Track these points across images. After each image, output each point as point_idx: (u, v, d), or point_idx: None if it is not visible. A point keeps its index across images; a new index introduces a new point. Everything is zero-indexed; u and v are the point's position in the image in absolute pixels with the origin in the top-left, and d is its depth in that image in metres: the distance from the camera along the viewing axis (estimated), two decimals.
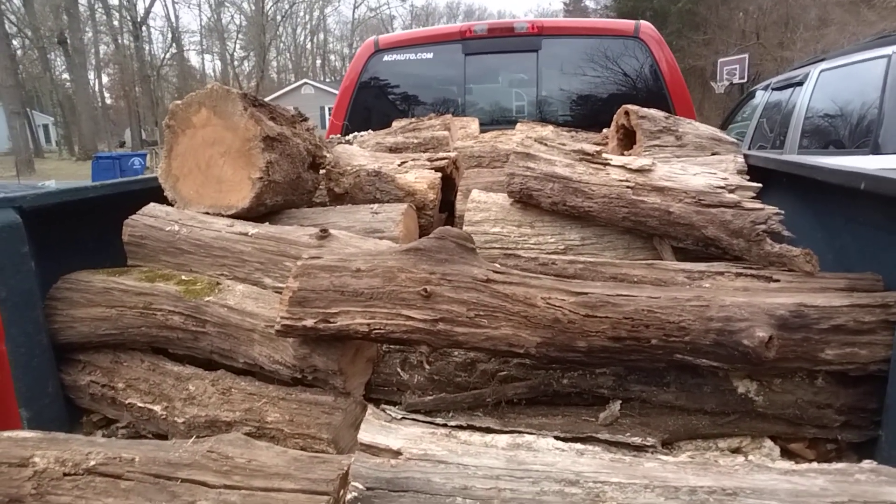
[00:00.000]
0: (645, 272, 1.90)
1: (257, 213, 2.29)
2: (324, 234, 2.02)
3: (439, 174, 2.60)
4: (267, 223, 2.17)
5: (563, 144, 2.21)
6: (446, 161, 2.66)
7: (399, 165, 2.65)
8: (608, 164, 2.13)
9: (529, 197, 2.23)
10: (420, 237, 2.57)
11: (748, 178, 2.51)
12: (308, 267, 1.63)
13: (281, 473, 1.32)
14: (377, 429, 1.30)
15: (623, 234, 2.23)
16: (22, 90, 34.87)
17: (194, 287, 1.92)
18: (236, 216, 2.21)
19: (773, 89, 6.45)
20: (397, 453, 1.23)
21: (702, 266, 1.89)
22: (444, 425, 1.34)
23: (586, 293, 1.55)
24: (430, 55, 4.49)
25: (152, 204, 2.20)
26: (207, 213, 2.21)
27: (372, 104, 4.61)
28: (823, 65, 5.18)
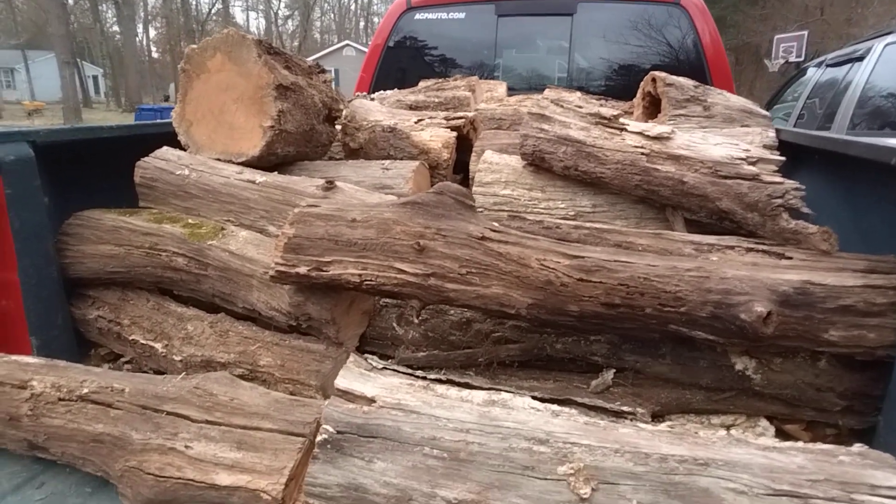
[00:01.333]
0: (651, 241, 1.84)
1: (268, 162, 2.29)
2: (329, 186, 2.01)
3: (454, 133, 2.56)
4: (276, 173, 2.17)
5: (580, 107, 2.13)
6: (463, 121, 2.61)
7: (415, 123, 2.61)
8: (624, 130, 2.05)
9: (542, 160, 2.17)
10: None
11: (777, 153, 2.40)
12: (305, 214, 1.63)
13: (261, 413, 1.34)
14: (355, 376, 1.31)
15: (636, 204, 2.16)
16: (73, 41, 35.62)
17: (199, 231, 1.95)
18: (247, 164, 2.22)
19: (828, 66, 6.10)
20: (371, 401, 1.23)
21: (712, 239, 1.82)
22: (424, 378, 1.33)
23: (583, 257, 1.51)
24: (462, 15, 4.38)
25: (165, 147, 2.23)
26: (219, 160, 2.22)
27: (401, 63, 4.54)
28: (890, 38, 4.82)
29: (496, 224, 1.65)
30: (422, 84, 3.86)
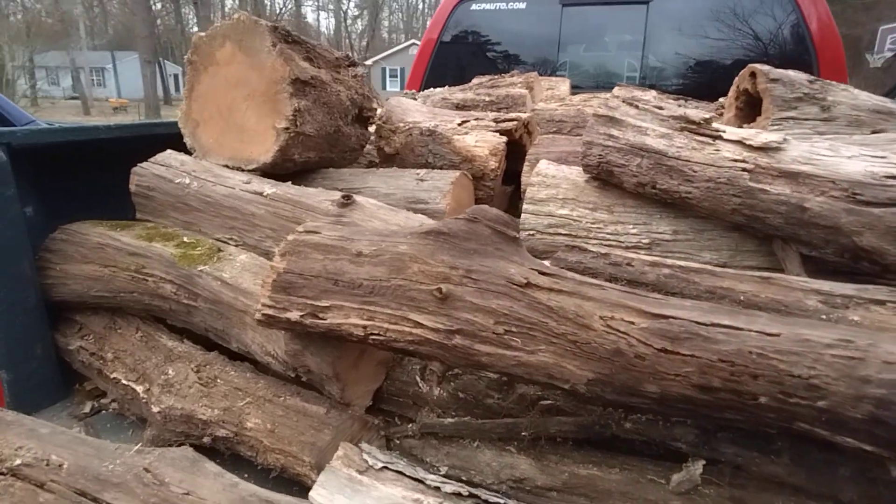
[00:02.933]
0: (757, 288, 1.37)
1: (285, 169, 1.97)
2: (346, 202, 1.66)
3: (504, 138, 2.15)
4: (290, 182, 1.84)
5: (660, 108, 1.68)
6: (515, 123, 2.20)
7: (459, 125, 2.22)
8: (719, 138, 1.58)
9: (610, 174, 1.73)
10: None
11: None
12: (299, 244, 1.28)
13: None
14: (340, 485, 0.94)
15: (730, 231, 1.68)
16: (157, 41, 37.37)
17: (192, 252, 1.64)
18: (260, 171, 1.91)
19: None
20: None
21: (847, 288, 1.33)
22: (437, 489, 0.95)
23: (667, 317, 1.08)
24: (522, 5, 3.95)
25: (169, 151, 1.94)
26: (227, 166, 1.91)
27: (455, 59, 4.17)
28: None
29: (547, 265, 1.23)
30: (475, 81, 3.47)
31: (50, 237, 1.76)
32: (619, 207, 1.80)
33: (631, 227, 1.77)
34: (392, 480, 0.96)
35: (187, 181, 1.82)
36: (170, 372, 1.52)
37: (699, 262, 1.67)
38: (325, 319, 1.22)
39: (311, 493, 0.91)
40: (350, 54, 2.24)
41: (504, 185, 2.29)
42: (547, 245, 1.78)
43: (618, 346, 1.07)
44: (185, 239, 1.71)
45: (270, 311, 1.27)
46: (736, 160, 1.53)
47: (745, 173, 1.51)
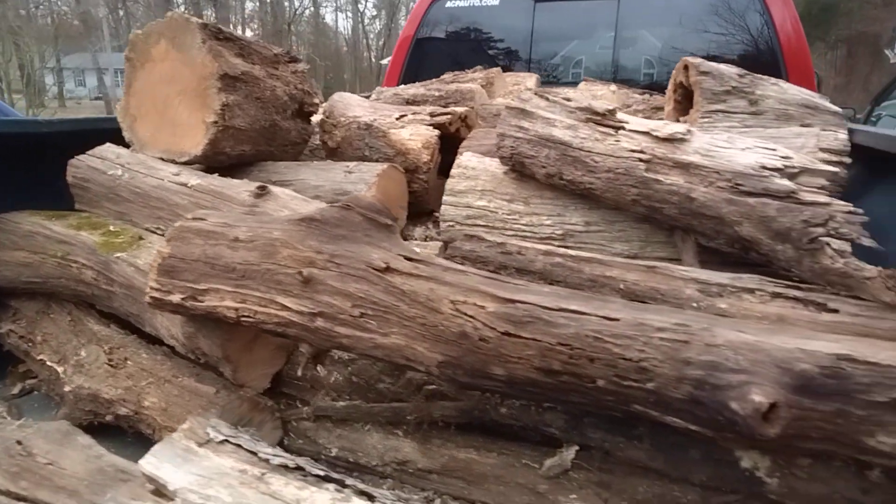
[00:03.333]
0: (643, 277, 1.39)
1: (218, 162, 2.02)
2: (261, 193, 1.71)
3: (437, 132, 2.18)
4: (216, 175, 1.90)
5: (568, 100, 1.69)
6: (449, 117, 2.23)
7: (396, 119, 2.26)
8: (621, 129, 1.59)
9: (522, 165, 1.76)
10: (410, 205, 2.21)
11: (847, 159, 1.85)
12: (184, 230, 1.33)
13: (69, 488, 1.05)
14: (173, 454, 0.98)
15: (640, 223, 1.69)
16: None
17: (115, 240, 1.70)
18: (193, 164, 1.97)
19: None
20: (169, 498, 0.90)
21: (723, 277, 1.34)
22: (267, 461, 0.99)
23: (515, 301, 1.11)
24: (496, 2, 3.97)
25: (107, 144, 2.01)
26: (162, 159, 1.98)
27: (431, 56, 4.19)
28: None
29: (416, 252, 1.27)
30: (444, 76, 3.51)
31: None
32: (536, 199, 1.82)
33: (545, 218, 1.79)
34: (228, 453, 1.00)
35: (119, 173, 1.89)
36: (82, 353, 1.59)
37: (608, 253, 1.70)
38: (202, 302, 1.27)
39: (141, 462, 0.96)
40: (292, 50, 2.29)
41: (444, 177, 2.32)
42: (462, 236, 1.81)
43: (464, 329, 1.10)
44: (112, 228, 1.78)
45: (157, 294, 1.32)
46: (633, 151, 1.55)
47: (642, 164, 1.53)
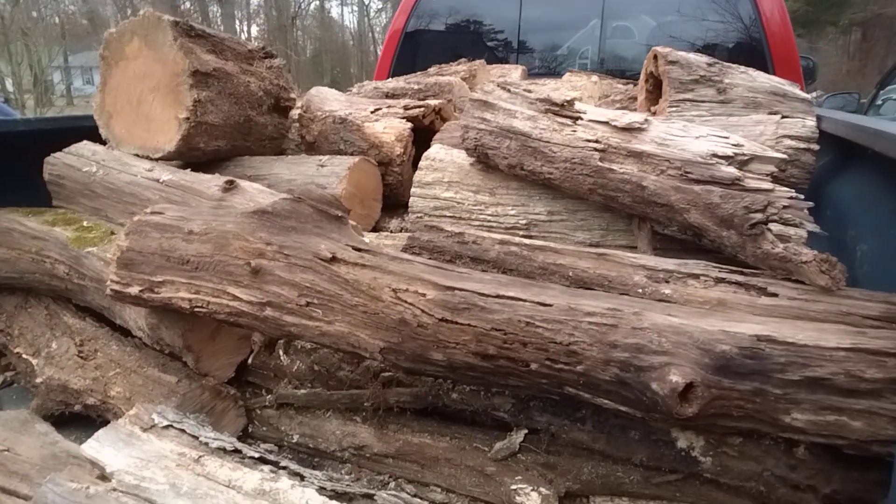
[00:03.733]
0: (594, 264, 1.41)
1: (193, 157, 2.07)
2: (229, 187, 1.75)
3: (409, 125, 2.21)
4: (189, 170, 1.94)
5: (529, 91, 1.71)
6: (422, 110, 2.25)
7: (371, 113, 2.29)
8: (579, 119, 1.61)
9: (486, 156, 1.78)
10: (385, 197, 2.24)
11: (815, 146, 1.85)
12: (141, 223, 1.37)
13: (20, 473, 1.10)
14: (116, 438, 1.03)
15: (602, 212, 1.72)
16: None
17: (87, 235, 1.75)
18: (167, 159, 2.01)
19: None
20: (106, 479, 0.95)
21: (671, 263, 1.36)
22: (206, 445, 1.03)
23: (454, 289, 1.14)
24: None
25: (84, 141, 2.06)
26: (137, 155, 2.02)
27: (420, 48, 4.20)
28: None
29: (365, 242, 1.30)
30: (430, 69, 3.52)
31: None
32: (501, 190, 1.85)
33: (510, 208, 1.82)
34: (171, 437, 1.05)
35: (94, 169, 1.93)
36: (53, 345, 1.64)
37: (571, 242, 1.72)
38: (159, 294, 1.32)
39: (83, 445, 1.01)
40: (267, 45, 2.33)
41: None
42: (427, 227, 1.84)
43: (403, 316, 1.13)
44: (85, 223, 1.83)
45: (117, 287, 1.36)
46: (589, 141, 1.57)
47: (597, 153, 1.55)
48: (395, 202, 2.32)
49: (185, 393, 1.42)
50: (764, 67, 3.25)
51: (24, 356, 1.74)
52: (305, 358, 1.56)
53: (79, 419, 1.61)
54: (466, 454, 1.34)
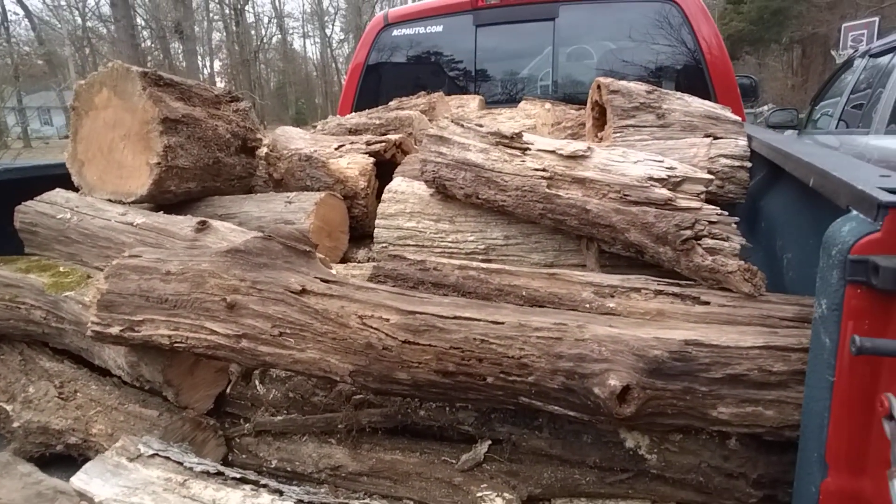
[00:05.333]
0: (545, 283, 1.54)
1: (165, 199, 2.15)
2: (201, 227, 1.83)
3: (372, 159, 2.33)
4: (161, 212, 2.02)
5: (480, 126, 1.85)
6: (383, 145, 2.38)
7: (335, 149, 2.41)
8: (527, 150, 1.75)
9: (444, 187, 1.91)
10: (352, 229, 2.34)
11: (748, 164, 2.03)
12: (121, 267, 1.45)
13: None
14: (104, 469, 1.09)
15: (554, 234, 1.85)
16: None
17: (64, 280, 1.81)
18: (139, 203, 2.09)
19: (871, 56, 5.44)
20: None
21: (615, 279, 1.50)
22: (191, 469, 1.10)
23: (415, 313, 1.24)
24: (440, 28, 4.16)
25: (57, 189, 2.12)
26: (110, 200, 2.09)
27: (381, 83, 4.36)
28: None
29: (333, 274, 1.40)
30: (391, 103, 3.67)
31: None
32: (461, 217, 1.97)
33: (469, 234, 1.94)
34: (157, 465, 1.12)
35: (68, 216, 2.00)
36: (30, 389, 1.69)
37: (527, 263, 1.85)
38: (139, 332, 1.39)
39: (72, 479, 1.07)
40: (233, 89, 2.43)
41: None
42: (393, 256, 1.95)
43: (369, 340, 1.23)
44: (61, 269, 1.88)
45: (98, 328, 1.43)
46: (537, 170, 1.71)
47: (544, 181, 1.69)
48: (361, 233, 2.42)
49: (166, 426, 1.48)
50: (706, 90, 3.50)
51: None
52: (280, 386, 1.64)
53: (59, 460, 1.65)
54: (435, 467, 1.44)
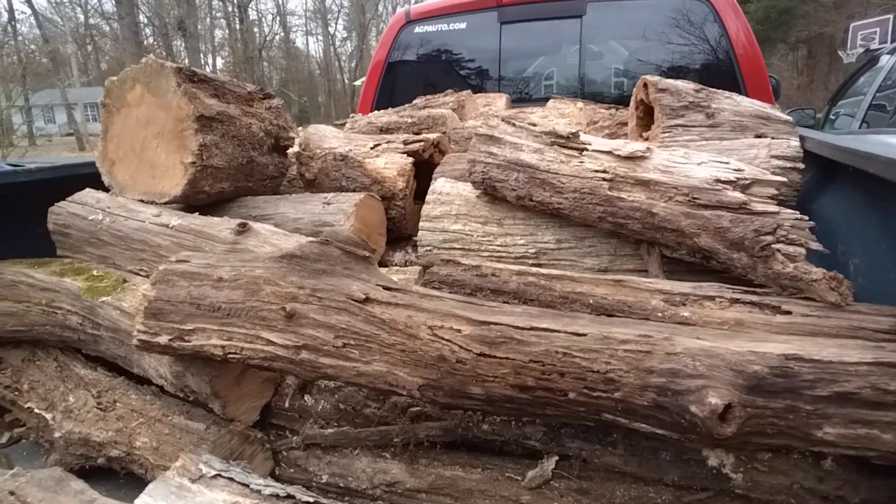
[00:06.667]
0: (610, 290, 1.46)
1: (199, 201, 2.08)
2: (242, 230, 1.76)
3: (410, 159, 2.26)
4: (196, 214, 1.95)
5: (534, 125, 1.78)
6: (422, 144, 2.31)
7: (371, 149, 2.33)
8: (585, 150, 1.68)
9: (493, 188, 1.83)
10: (389, 231, 2.27)
11: (801, 165, 1.96)
12: (168, 272, 1.38)
13: None
14: (167, 492, 1.02)
15: (609, 238, 1.78)
16: None
17: (99, 284, 1.74)
18: (172, 204, 2.02)
19: None
20: None
21: (686, 287, 1.42)
22: (259, 492, 1.03)
23: (489, 323, 1.17)
24: (463, 25, 4.08)
25: (87, 190, 2.05)
26: (142, 201, 2.02)
27: (403, 80, 4.28)
28: None
29: (394, 281, 1.33)
30: (416, 101, 3.59)
31: None
32: (509, 220, 1.89)
33: (518, 238, 1.86)
34: (221, 487, 1.05)
35: (101, 217, 1.93)
36: (70, 399, 1.62)
37: (580, 269, 1.78)
38: (189, 342, 1.32)
39: (136, 501, 1.00)
40: (265, 86, 2.36)
41: (420, 202, 2.39)
42: (439, 260, 1.87)
43: (441, 352, 1.16)
44: (95, 272, 1.81)
45: (144, 337, 1.36)
46: (597, 171, 1.63)
47: (605, 183, 1.61)
48: (397, 235, 2.35)
49: (214, 440, 1.41)
50: (736, 88, 3.41)
51: (35, 411, 1.71)
52: (330, 397, 1.57)
53: (96, 473, 1.59)
54: (500, 484, 1.37)
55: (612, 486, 1.31)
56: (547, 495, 1.32)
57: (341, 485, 1.47)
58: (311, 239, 1.36)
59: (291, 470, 1.53)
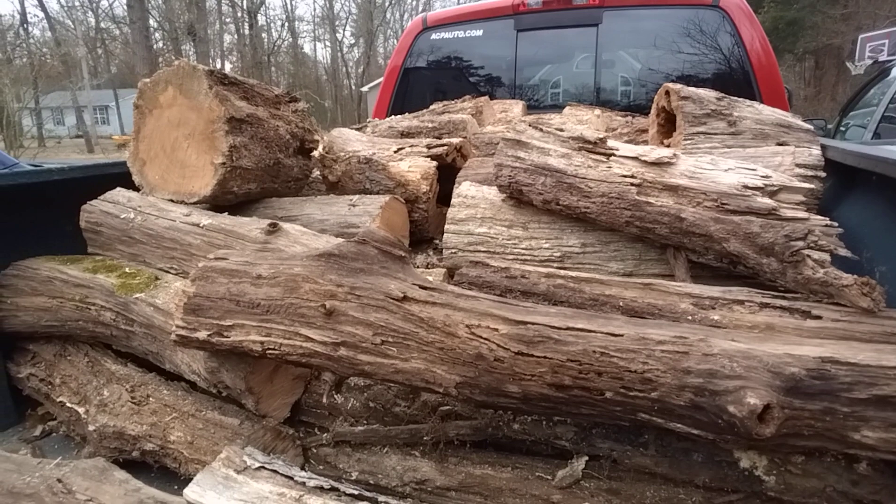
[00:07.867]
0: (639, 294, 1.48)
1: (227, 201, 2.11)
2: (272, 230, 1.79)
3: (434, 163, 2.28)
4: (226, 213, 1.98)
5: (561, 130, 1.81)
6: (446, 148, 2.34)
7: (395, 152, 2.37)
8: (612, 155, 1.70)
9: (520, 192, 1.86)
10: (411, 234, 2.30)
11: (822, 174, 1.98)
12: (208, 269, 1.40)
13: None
14: (215, 482, 1.05)
15: (634, 242, 1.80)
16: None
17: (132, 282, 1.77)
18: (201, 204, 2.05)
19: None
20: None
21: (716, 291, 1.44)
22: (303, 484, 1.05)
23: (526, 323, 1.19)
24: (479, 32, 4.12)
25: (118, 189, 2.09)
26: (172, 200, 2.05)
27: (419, 86, 4.33)
28: None
29: (430, 280, 1.35)
30: (433, 106, 3.63)
31: (2, 273, 1.90)
32: (534, 224, 1.92)
33: (544, 241, 1.89)
34: (265, 478, 1.07)
35: (132, 216, 1.96)
36: (105, 393, 1.64)
37: (605, 272, 1.80)
38: (228, 337, 1.34)
39: (185, 490, 1.02)
40: (291, 90, 2.40)
41: (442, 205, 2.42)
42: (463, 262, 1.90)
43: (479, 351, 1.18)
44: (128, 269, 1.84)
45: (183, 332, 1.39)
46: (625, 176, 1.66)
47: (633, 188, 1.64)
48: (418, 238, 2.38)
49: (248, 435, 1.43)
50: (752, 97, 3.43)
51: (68, 405, 1.74)
52: (359, 395, 1.59)
53: (128, 465, 1.61)
54: (530, 483, 1.38)
55: (643, 486, 1.33)
56: (577, 495, 1.34)
57: (371, 482, 1.49)
58: (346, 238, 1.38)
59: (321, 466, 1.55)
